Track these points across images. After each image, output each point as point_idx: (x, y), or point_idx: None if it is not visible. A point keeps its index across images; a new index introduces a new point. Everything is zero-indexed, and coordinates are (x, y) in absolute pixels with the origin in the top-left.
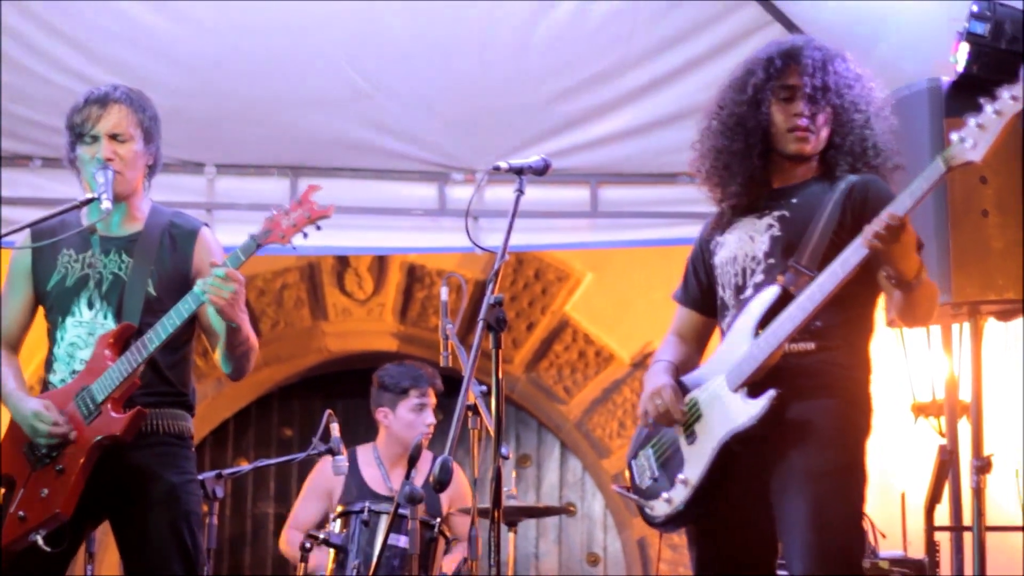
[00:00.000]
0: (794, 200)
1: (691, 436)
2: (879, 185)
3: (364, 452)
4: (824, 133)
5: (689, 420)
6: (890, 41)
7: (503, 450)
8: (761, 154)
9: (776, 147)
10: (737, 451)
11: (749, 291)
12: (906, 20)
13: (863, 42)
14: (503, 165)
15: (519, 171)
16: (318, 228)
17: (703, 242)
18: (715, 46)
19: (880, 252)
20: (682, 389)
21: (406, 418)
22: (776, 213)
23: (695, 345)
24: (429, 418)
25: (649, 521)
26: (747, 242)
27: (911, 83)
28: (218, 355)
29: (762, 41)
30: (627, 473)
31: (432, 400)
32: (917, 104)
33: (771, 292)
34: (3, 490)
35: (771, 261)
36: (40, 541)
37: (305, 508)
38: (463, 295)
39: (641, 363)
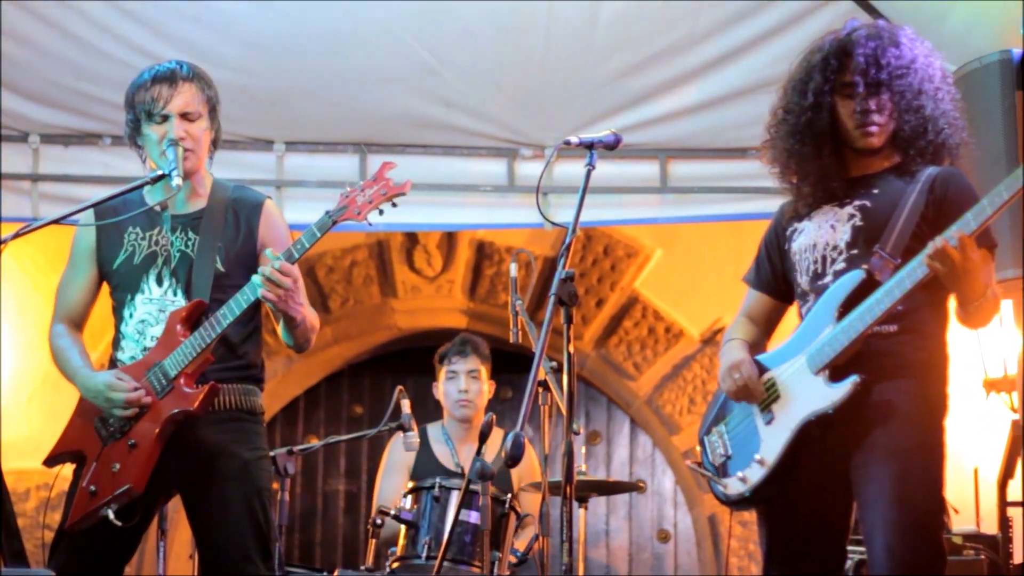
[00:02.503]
0: (875, 191)
1: (768, 416)
2: (960, 181)
3: (434, 429)
4: (889, 122)
5: (766, 400)
6: (959, 14)
7: (574, 426)
8: (832, 152)
9: (847, 143)
10: (815, 433)
11: (828, 278)
12: None
13: (932, 15)
14: (574, 140)
15: (590, 146)
16: (394, 205)
17: (779, 227)
18: (783, 20)
19: (939, 274)
20: (759, 368)
21: (443, 388)
22: (858, 203)
23: (764, 328)
24: (461, 384)
25: (722, 499)
26: (828, 231)
27: (982, 56)
28: (280, 330)
29: (830, 15)
30: (698, 449)
31: (468, 367)
32: (989, 77)
33: (855, 276)
34: (74, 465)
35: (854, 252)
36: (111, 515)
37: (389, 485)
38: (532, 271)
39: (711, 339)
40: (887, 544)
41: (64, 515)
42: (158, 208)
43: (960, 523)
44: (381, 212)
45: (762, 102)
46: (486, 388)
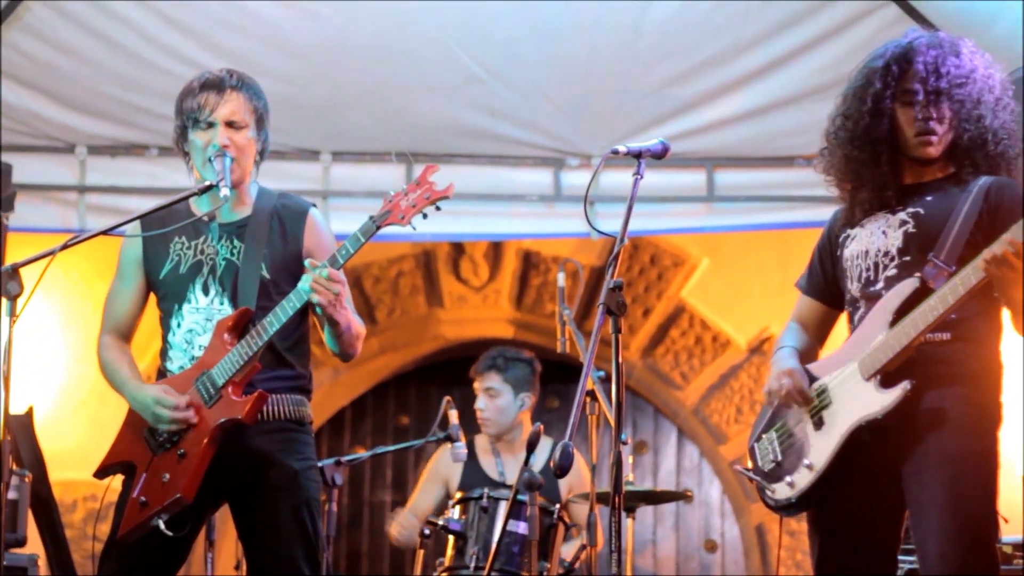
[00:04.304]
0: (928, 198)
1: (819, 422)
2: (1014, 190)
3: (481, 440)
4: (947, 132)
5: (817, 406)
6: (1007, 18)
7: (622, 436)
8: (889, 160)
9: (904, 151)
10: (866, 439)
11: (880, 285)
12: None
13: (979, 21)
14: (622, 149)
15: (638, 155)
16: (438, 209)
17: (832, 234)
18: (830, 28)
19: (993, 278)
20: (809, 377)
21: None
22: (911, 210)
23: (816, 334)
24: (479, 403)
25: (769, 504)
26: (880, 237)
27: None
28: (325, 336)
29: (877, 23)
30: (748, 457)
31: (484, 384)
32: None
33: (909, 284)
34: (123, 476)
35: (906, 259)
36: (162, 526)
37: (424, 493)
38: (579, 281)
39: (758, 348)
40: (940, 551)
41: (114, 526)
42: (206, 218)
43: (1009, 532)
44: (425, 216)
45: (809, 110)
46: (513, 401)
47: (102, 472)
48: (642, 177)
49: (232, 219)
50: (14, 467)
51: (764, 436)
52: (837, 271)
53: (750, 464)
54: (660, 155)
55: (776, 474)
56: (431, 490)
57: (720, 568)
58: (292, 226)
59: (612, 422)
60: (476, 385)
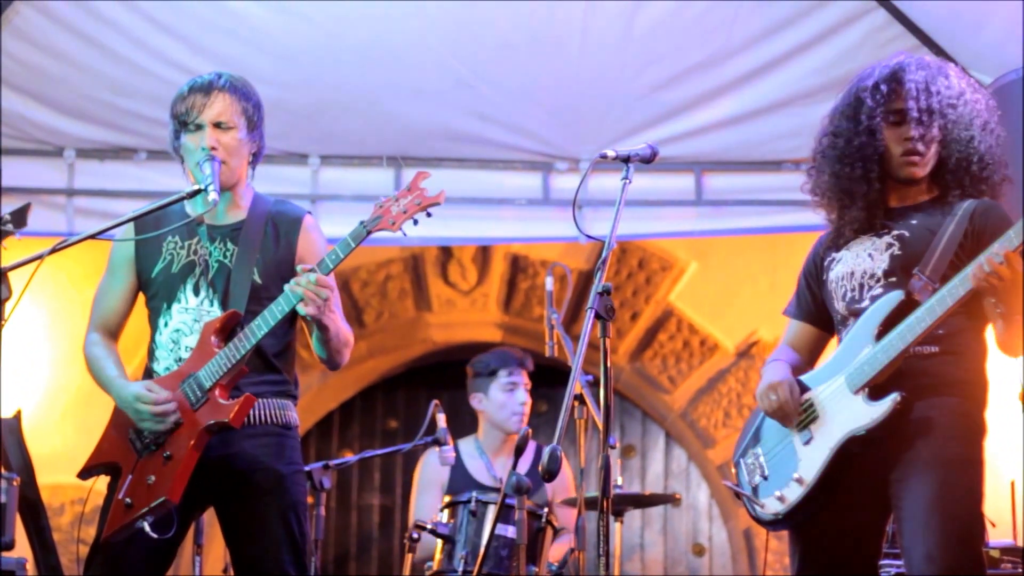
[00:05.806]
0: (913, 221)
1: (807, 436)
2: (999, 211)
3: (466, 444)
4: (934, 153)
5: (805, 420)
6: (995, 25)
7: (610, 439)
8: (879, 178)
9: (890, 171)
10: (855, 452)
11: (865, 303)
12: (1012, 3)
13: (968, 26)
14: (610, 153)
15: (626, 159)
16: (428, 215)
17: (817, 258)
18: (819, 32)
19: (989, 291)
20: (800, 388)
21: (498, 399)
22: (896, 232)
23: (807, 357)
24: (522, 397)
25: (758, 519)
26: (865, 259)
27: (1017, 67)
28: (313, 343)
29: (866, 27)
30: (734, 472)
31: (523, 380)
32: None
33: (895, 297)
34: (108, 478)
35: (892, 280)
36: (147, 528)
37: (425, 502)
38: (567, 285)
39: (746, 352)
40: (927, 553)
41: (99, 529)
42: (196, 221)
43: (997, 536)
44: (416, 222)
45: (798, 114)
46: None
47: (86, 472)
48: (630, 181)
49: (227, 222)
50: (2, 471)
51: (750, 452)
52: (824, 294)
53: (735, 479)
54: (648, 159)
55: (765, 490)
56: (431, 498)
57: (708, 572)
58: (286, 232)
59: (600, 426)
60: (515, 380)
